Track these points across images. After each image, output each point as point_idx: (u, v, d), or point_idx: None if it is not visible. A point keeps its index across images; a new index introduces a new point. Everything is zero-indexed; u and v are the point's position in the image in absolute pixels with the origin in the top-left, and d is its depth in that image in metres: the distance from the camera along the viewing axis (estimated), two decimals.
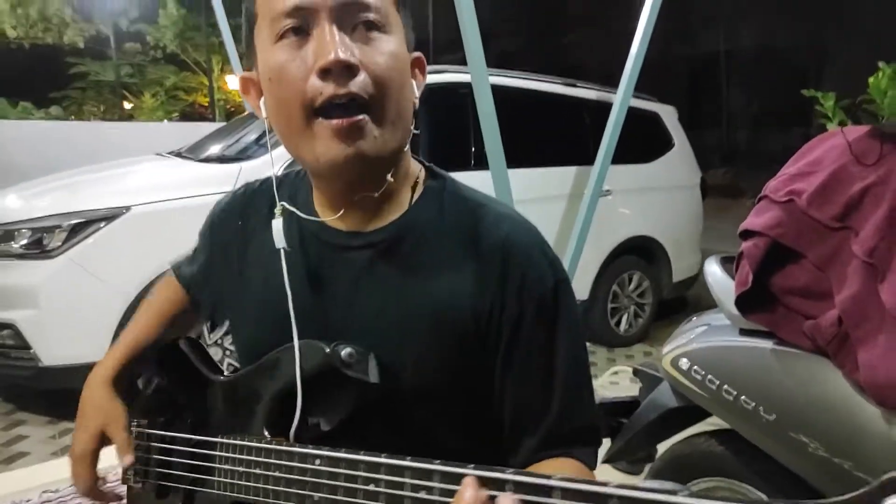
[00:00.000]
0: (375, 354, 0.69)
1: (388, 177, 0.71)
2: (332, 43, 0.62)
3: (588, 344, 4.00)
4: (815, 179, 1.14)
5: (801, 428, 1.09)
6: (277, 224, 0.73)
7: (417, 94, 0.73)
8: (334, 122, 0.64)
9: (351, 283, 0.74)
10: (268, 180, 0.82)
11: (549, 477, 0.48)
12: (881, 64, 2.04)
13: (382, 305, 0.72)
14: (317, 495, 0.63)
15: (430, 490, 0.54)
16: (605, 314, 4.52)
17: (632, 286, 4.68)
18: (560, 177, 4.26)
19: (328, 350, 0.67)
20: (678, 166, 4.92)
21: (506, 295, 0.71)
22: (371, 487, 0.58)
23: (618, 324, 4.62)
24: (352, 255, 0.74)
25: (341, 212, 0.73)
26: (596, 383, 3.74)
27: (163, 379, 0.91)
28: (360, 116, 0.64)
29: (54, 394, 3.10)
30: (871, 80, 1.97)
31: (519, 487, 0.49)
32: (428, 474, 0.54)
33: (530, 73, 4.51)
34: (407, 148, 0.74)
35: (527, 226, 0.76)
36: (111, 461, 2.49)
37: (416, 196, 0.75)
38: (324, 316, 0.73)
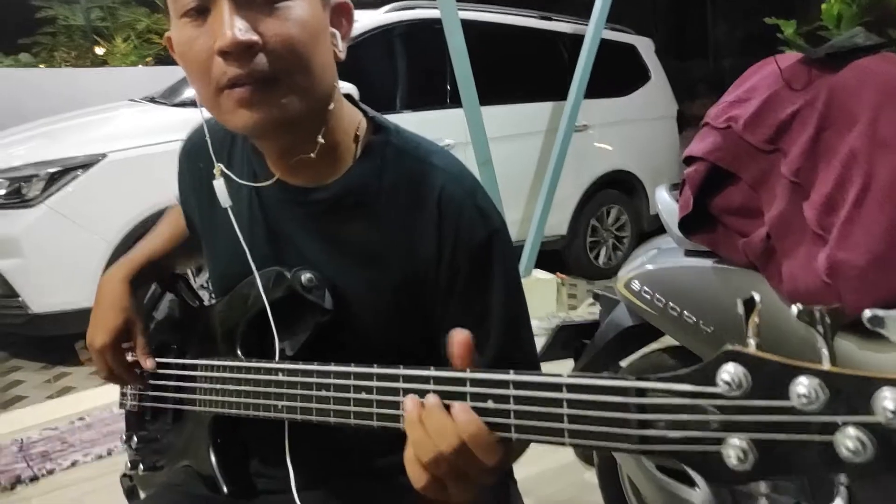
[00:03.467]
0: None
1: (319, 138, 0.72)
2: (228, 23, 0.62)
3: (568, 276, 4.09)
4: (751, 106, 1.19)
5: (736, 338, 1.18)
6: (219, 185, 0.77)
7: (341, 45, 0.73)
8: (237, 90, 0.65)
9: (300, 233, 0.79)
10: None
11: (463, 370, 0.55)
12: None
13: (327, 258, 0.77)
14: (280, 403, 0.72)
15: (369, 390, 0.62)
16: (584, 248, 4.62)
17: (610, 220, 4.78)
18: (537, 112, 4.28)
19: (289, 275, 0.75)
20: (655, 99, 4.94)
21: (442, 247, 0.74)
22: (322, 392, 0.67)
23: (597, 257, 4.73)
24: (298, 209, 0.78)
25: (277, 175, 0.76)
26: (575, 313, 3.89)
27: (157, 305, 0.98)
28: (254, 87, 0.64)
29: (46, 340, 3.19)
30: (823, 6, 2.00)
31: (438, 382, 0.56)
32: (368, 377, 0.63)
33: (504, 6, 4.46)
34: (340, 101, 0.76)
35: (461, 177, 0.77)
36: (98, 401, 2.59)
37: (357, 152, 0.77)
38: (279, 262, 0.78)
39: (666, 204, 1.44)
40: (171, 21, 0.69)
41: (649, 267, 1.45)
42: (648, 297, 1.41)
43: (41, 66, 10.64)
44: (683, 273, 1.35)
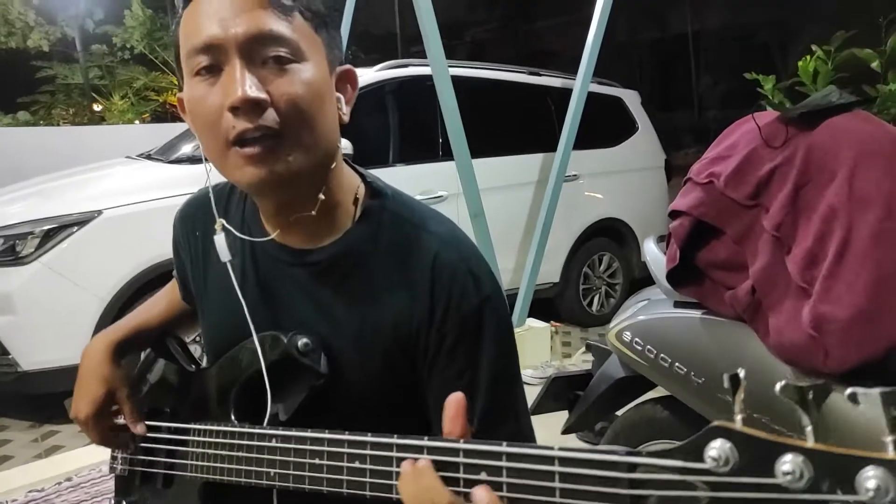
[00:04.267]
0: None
1: (320, 196, 0.73)
2: (240, 81, 0.65)
3: (562, 324, 4.08)
4: (731, 162, 1.24)
5: (726, 389, 1.19)
6: (220, 239, 0.78)
7: (345, 109, 0.76)
8: (246, 150, 0.67)
9: (294, 295, 0.79)
10: (226, 184, 0.87)
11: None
12: (814, 47, 2.15)
13: (319, 320, 0.77)
14: (273, 471, 0.71)
15: (363, 458, 0.62)
16: (577, 295, 4.63)
17: (602, 267, 4.81)
18: (527, 164, 4.36)
19: (286, 339, 0.75)
20: (643, 149, 5.03)
21: (433, 314, 0.74)
22: (316, 461, 0.66)
23: (590, 304, 4.74)
24: (294, 271, 0.79)
25: (276, 233, 0.77)
26: (569, 361, 3.87)
27: (151, 369, 0.97)
28: (266, 143, 0.67)
29: (35, 398, 3.15)
30: (800, 63, 2.08)
31: (432, 451, 0.56)
32: (362, 445, 0.62)
33: (494, 63, 4.59)
34: (340, 164, 0.77)
35: (456, 244, 0.78)
36: (86, 461, 2.53)
37: (356, 216, 0.78)
38: (273, 323, 0.78)
39: (654, 256, 1.46)
40: (184, 81, 0.72)
41: (640, 318, 1.47)
42: (640, 347, 1.42)
43: (40, 123, 10.78)
44: (673, 324, 1.37)
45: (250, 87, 0.65)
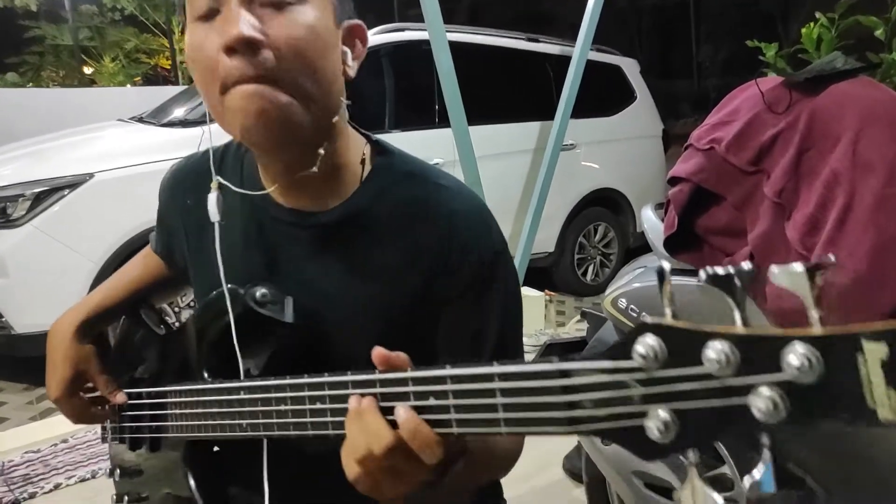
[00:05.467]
0: (318, 323, 0.75)
1: (320, 150, 0.71)
2: (235, 20, 0.63)
3: (556, 293, 4.09)
4: (733, 128, 1.22)
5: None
6: (212, 198, 0.76)
7: (352, 64, 0.73)
8: (240, 87, 0.65)
9: (301, 258, 0.78)
10: (218, 149, 0.85)
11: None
12: (818, 14, 2.12)
13: (328, 281, 0.76)
14: (244, 422, 0.71)
15: (322, 399, 0.62)
16: (572, 265, 4.65)
17: (597, 237, 4.81)
18: (525, 131, 4.32)
19: (242, 291, 0.74)
20: (641, 118, 5.00)
21: (448, 260, 0.74)
22: (281, 407, 0.67)
23: (584, 274, 4.75)
24: (302, 234, 0.77)
25: (273, 186, 0.75)
26: (563, 330, 3.90)
27: (126, 339, 0.98)
28: (267, 85, 0.65)
29: (29, 361, 3.14)
30: (803, 30, 2.05)
31: (384, 384, 0.57)
32: (321, 386, 0.63)
33: (493, 28, 4.52)
34: (345, 123, 0.75)
35: (470, 196, 0.79)
36: (76, 425, 2.54)
37: (364, 175, 0.77)
38: (275, 283, 0.76)
39: (651, 223, 1.46)
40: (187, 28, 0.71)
41: (636, 285, 1.47)
42: (635, 314, 1.42)
43: (29, 85, 10.60)
44: None
45: (245, 26, 0.63)
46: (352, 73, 0.73)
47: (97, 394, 0.90)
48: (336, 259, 0.77)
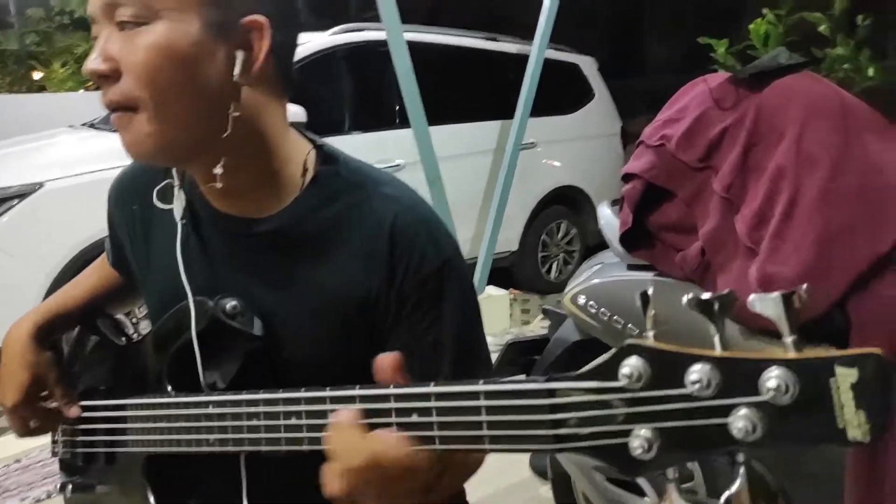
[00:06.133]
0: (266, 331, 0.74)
1: (216, 169, 0.69)
2: (93, 52, 0.64)
3: (520, 292, 4.12)
4: (682, 125, 1.24)
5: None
6: (177, 198, 0.77)
7: (238, 67, 0.66)
8: (113, 114, 0.66)
9: (241, 266, 0.77)
10: None
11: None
12: (765, 10, 2.18)
13: (269, 290, 0.75)
14: (212, 437, 0.70)
15: (298, 415, 0.62)
16: (535, 263, 4.68)
17: (560, 235, 4.85)
18: (485, 131, 4.33)
19: (212, 303, 0.73)
20: (599, 116, 5.06)
21: (393, 278, 0.72)
22: (253, 422, 0.65)
23: (548, 271, 4.79)
24: (241, 241, 0.76)
25: (206, 187, 0.73)
26: (528, 328, 3.92)
27: (81, 348, 0.95)
28: (123, 113, 0.65)
29: None
30: (751, 26, 2.10)
31: (364, 400, 0.56)
32: (296, 402, 0.62)
33: (451, 28, 4.52)
34: (279, 130, 0.73)
35: (414, 207, 0.76)
36: (35, 442, 2.46)
37: (305, 183, 0.75)
38: (215, 294, 0.75)
39: (608, 220, 1.47)
40: None
41: (594, 281, 1.48)
42: (593, 310, 1.44)
43: None
44: (625, 286, 1.39)
45: (94, 59, 0.63)
46: (239, 78, 0.67)
47: (51, 405, 0.87)
48: (277, 268, 0.76)
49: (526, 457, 2.17)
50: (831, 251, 1.04)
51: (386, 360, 0.56)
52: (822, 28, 2.10)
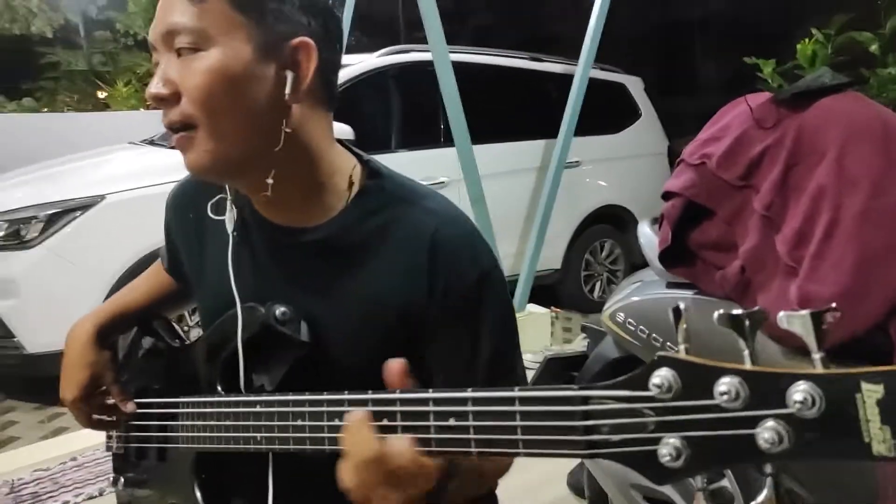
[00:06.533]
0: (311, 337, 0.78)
1: (268, 180, 0.73)
2: (154, 78, 0.70)
3: (563, 310, 4.09)
4: (723, 143, 1.24)
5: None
6: (229, 210, 0.81)
7: (289, 87, 0.71)
8: (174, 135, 0.72)
9: (288, 274, 0.80)
10: None
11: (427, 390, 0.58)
12: (813, 30, 2.15)
13: (315, 298, 0.78)
14: (259, 435, 0.73)
15: (341, 416, 0.64)
16: (578, 281, 4.65)
17: (604, 254, 4.81)
18: (529, 150, 4.35)
19: (263, 309, 0.77)
20: (645, 135, 5.02)
21: (433, 290, 0.75)
22: (298, 422, 0.68)
23: (591, 290, 4.75)
24: (289, 250, 0.80)
25: (262, 204, 0.79)
26: (570, 347, 3.89)
27: (137, 349, 1.00)
28: (184, 133, 0.71)
29: (41, 380, 3.18)
30: (798, 46, 2.08)
31: (404, 403, 0.59)
32: (340, 403, 0.65)
33: (496, 49, 4.57)
34: (325, 144, 0.77)
35: (454, 221, 0.78)
36: (91, 441, 2.57)
37: (351, 195, 0.78)
38: (263, 300, 0.78)
39: (647, 238, 1.48)
40: None
41: (634, 299, 1.48)
42: (632, 328, 1.44)
43: (44, 110, 10.79)
44: (665, 305, 1.38)
45: (156, 84, 0.69)
46: (289, 97, 0.72)
47: (109, 401, 0.92)
48: (323, 277, 0.79)
49: (563, 474, 2.16)
50: (871, 272, 1.03)
51: (393, 366, 0.60)
52: (872, 48, 2.07)
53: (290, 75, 0.71)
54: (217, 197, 0.84)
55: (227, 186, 0.82)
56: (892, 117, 1.17)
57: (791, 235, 1.11)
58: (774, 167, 1.16)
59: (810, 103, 1.20)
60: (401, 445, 0.56)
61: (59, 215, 2.97)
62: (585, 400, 0.48)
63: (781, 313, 0.39)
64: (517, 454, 0.52)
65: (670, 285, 1.41)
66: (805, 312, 0.38)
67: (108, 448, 1.03)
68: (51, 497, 2.25)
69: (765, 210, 1.16)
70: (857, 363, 0.39)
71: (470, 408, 0.55)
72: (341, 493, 0.84)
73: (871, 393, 0.37)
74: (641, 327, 1.41)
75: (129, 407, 0.91)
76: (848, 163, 1.09)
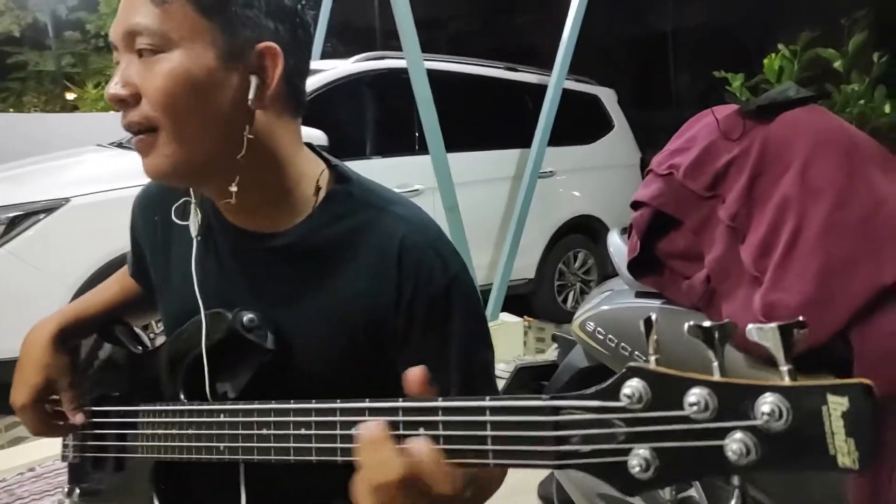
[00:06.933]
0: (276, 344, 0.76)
1: (231, 187, 0.72)
2: (114, 77, 0.68)
3: (535, 320, 4.10)
4: (691, 154, 1.26)
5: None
6: (193, 214, 0.80)
7: (253, 93, 0.70)
8: (135, 137, 0.70)
9: (253, 279, 0.79)
10: None
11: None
12: (780, 45, 2.20)
13: (280, 303, 0.77)
14: (222, 445, 0.71)
15: (308, 426, 0.63)
16: (552, 291, 4.66)
17: (577, 264, 4.84)
18: (503, 159, 4.37)
19: (230, 315, 0.75)
20: (619, 147, 5.08)
21: (401, 296, 0.74)
22: (263, 431, 0.67)
23: (565, 300, 4.77)
24: (255, 255, 0.79)
25: (226, 208, 0.77)
26: (542, 357, 3.90)
27: (96, 355, 0.97)
28: (144, 136, 0.69)
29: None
30: (765, 61, 2.12)
31: (373, 413, 0.58)
32: (307, 412, 0.64)
33: (472, 58, 4.59)
34: (292, 150, 0.76)
35: (421, 226, 0.78)
36: (49, 451, 2.49)
37: (318, 201, 0.77)
38: (229, 305, 0.77)
39: (617, 247, 1.49)
40: None
41: (603, 308, 1.49)
42: (601, 337, 1.44)
43: (9, 111, 10.56)
44: (634, 314, 1.40)
45: (115, 84, 0.68)
46: (252, 103, 0.70)
47: (59, 408, 0.90)
48: (287, 282, 0.78)
49: (534, 485, 2.16)
50: (833, 282, 1.04)
51: (412, 375, 0.57)
52: (836, 64, 2.12)
53: (254, 81, 0.70)
54: (181, 200, 0.82)
55: (191, 190, 0.81)
56: (856, 131, 1.20)
57: (756, 245, 1.13)
58: (740, 178, 1.18)
59: (776, 115, 1.22)
60: (431, 454, 0.53)
61: (21, 217, 2.89)
62: (556, 410, 0.48)
63: (750, 326, 0.39)
64: (487, 464, 0.51)
65: (639, 294, 1.42)
66: (774, 325, 0.39)
67: (64, 458, 1.00)
68: None
69: (730, 220, 1.17)
70: (817, 371, 0.39)
71: (440, 417, 0.54)
72: (310, 497, 0.83)
73: (836, 405, 0.38)
74: (610, 336, 1.41)
75: (79, 418, 0.88)
76: (812, 174, 1.11)
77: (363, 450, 0.56)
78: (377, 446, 0.55)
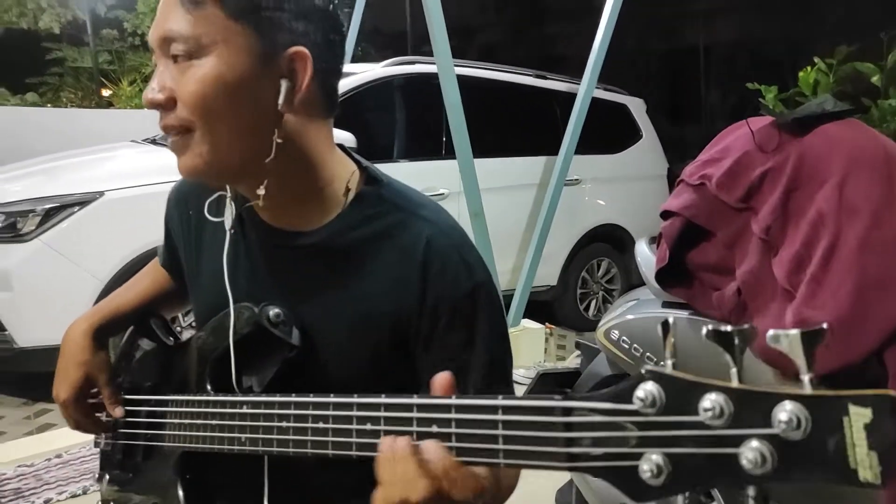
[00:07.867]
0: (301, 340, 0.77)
1: (259, 190, 0.73)
2: (151, 82, 0.71)
3: (556, 327, 4.08)
4: (724, 165, 1.25)
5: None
6: (228, 208, 0.81)
7: (282, 97, 0.70)
8: (170, 138, 0.73)
9: (282, 275, 0.80)
10: None
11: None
12: (816, 59, 2.17)
13: (307, 301, 0.78)
14: (244, 436, 0.73)
15: (325, 419, 0.64)
16: (574, 299, 4.64)
17: (601, 272, 4.81)
18: (530, 166, 4.37)
19: (257, 310, 0.76)
20: (646, 157, 5.04)
21: (424, 297, 0.75)
22: (283, 424, 0.68)
23: (587, 309, 4.74)
24: (284, 253, 0.80)
25: (256, 201, 0.77)
26: (563, 363, 3.88)
27: (132, 348, 0.99)
28: (177, 137, 0.72)
29: (30, 376, 3.16)
30: (801, 74, 2.10)
31: (388, 408, 0.58)
32: (325, 406, 0.65)
33: (502, 64, 4.60)
34: (323, 151, 0.77)
35: (448, 231, 0.78)
36: (76, 438, 2.55)
37: (348, 201, 0.79)
38: (257, 300, 0.78)
39: (645, 257, 1.48)
40: None
41: (629, 317, 1.48)
42: (626, 346, 1.44)
43: (47, 105, 10.79)
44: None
45: (151, 90, 0.70)
46: (282, 106, 0.71)
47: (98, 400, 0.92)
48: (314, 280, 0.79)
49: (552, 493, 2.15)
50: (868, 300, 1.02)
51: (439, 380, 0.58)
52: (874, 79, 2.08)
53: (284, 84, 0.71)
54: (216, 195, 0.84)
55: (227, 186, 0.82)
56: (893, 146, 1.18)
57: (789, 260, 1.11)
58: (774, 191, 1.17)
59: (812, 129, 1.20)
60: (447, 465, 0.53)
61: (56, 210, 2.96)
62: (568, 411, 0.48)
63: (772, 331, 0.38)
64: (497, 464, 0.51)
65: (666, 305, 1.41)
66: (796, 332, 0.37)
67: (96, 444, 1.03)
68: (34, 493, 2.22)
69: (763, 233, 1.16)
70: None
71: (453, 415, 0.54)
72: (330, 495, 0.84)
73: (858, 416, 0.36)
74: (635, 345, 1.41)
75: (118, 412, 0.91)
76: (849, 190, 1.10)
77: (384, 465, 0.56)
78: (399, 463, 0.55)
